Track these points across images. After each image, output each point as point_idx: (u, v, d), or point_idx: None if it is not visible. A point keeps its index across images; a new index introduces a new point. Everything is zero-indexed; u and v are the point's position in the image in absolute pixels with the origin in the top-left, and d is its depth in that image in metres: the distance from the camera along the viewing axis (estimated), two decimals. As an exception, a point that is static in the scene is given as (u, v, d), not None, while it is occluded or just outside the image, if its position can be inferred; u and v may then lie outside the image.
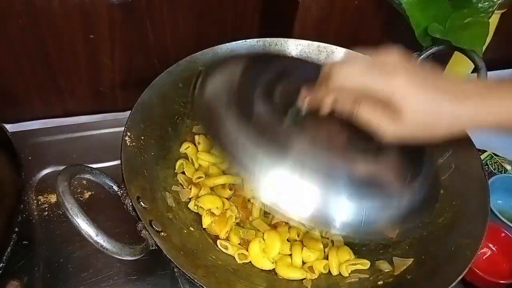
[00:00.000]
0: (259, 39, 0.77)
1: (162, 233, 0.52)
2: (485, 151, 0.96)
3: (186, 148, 0.70)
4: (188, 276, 0.48)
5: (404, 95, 0.44)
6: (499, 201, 0.84)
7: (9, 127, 0.83)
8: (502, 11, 0.94)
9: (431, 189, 0.56)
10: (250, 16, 0.98)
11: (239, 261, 0.60)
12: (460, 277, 0.51)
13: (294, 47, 0.79)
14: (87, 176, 0.51)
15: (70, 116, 0.95)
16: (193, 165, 0.69)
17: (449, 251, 0.57)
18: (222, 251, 0.60)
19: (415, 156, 0.56)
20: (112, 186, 0.53)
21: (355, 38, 0.95)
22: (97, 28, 0.84)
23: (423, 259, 0.59)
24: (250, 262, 0.60)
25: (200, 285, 0.48)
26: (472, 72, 1.10)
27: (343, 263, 0.61)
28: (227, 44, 0.75)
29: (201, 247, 0.59)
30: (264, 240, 0.62)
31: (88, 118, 0.95)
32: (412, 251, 0.62)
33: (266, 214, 0.67)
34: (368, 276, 0.60)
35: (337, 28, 0.92)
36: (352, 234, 0.48)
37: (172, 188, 0.65)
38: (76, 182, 0.76)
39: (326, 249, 0.63)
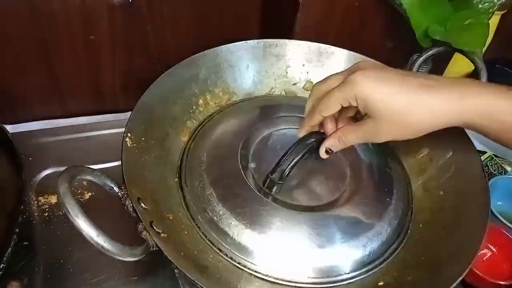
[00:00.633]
0: (259, 40, 0.77)
1: (163, 234, 0.52)
2: (485, 152, 0.96)
3: None
4: (189, 277, 0.48)
5: (369, 93, 0.49)
6: (499, 203, 0.84)
7: (10, 128, 0.83)
8: (503, 12, 0.94)
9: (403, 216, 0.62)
10: (251, 16, 0.98)
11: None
12: (460, 278, 0.51)
13: (295, 48, 0.80)
14: (88, 177, 0.51)
15: (70, 117, 0.95)
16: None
17: (449, 252, 0.57)
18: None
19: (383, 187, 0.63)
20: (113, 187, 0.53)
21: (356, 39, 0.95)
22: (98, 29, 0.84)
23: (423, 260, 0.59)
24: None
25: (200, 286, 0.48)
26: (473, 73, 1.10)
27: (344, 264, 0.61)
28: (228, 45, 0.75)
29: (201, 248, 0.59)
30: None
31: (88, 119, 0.95)
32: (412, 252, 0.62)
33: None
34: (368, 277, 0.60)
35: (338, 29, 0.92)
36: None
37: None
38: (76, 183, 0.76)
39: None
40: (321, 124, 0.59)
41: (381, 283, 0.58)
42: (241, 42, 0.76)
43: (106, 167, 0.80)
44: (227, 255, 0.57)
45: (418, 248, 0.62)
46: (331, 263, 0.56)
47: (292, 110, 0.71)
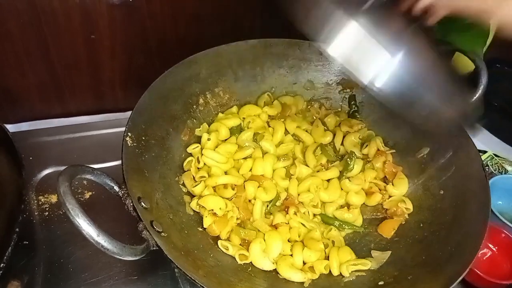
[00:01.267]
0: (260, 39, 0.77)
1: (163, 234, 0.52)
2: (486, 151, 0.96)
3: (194, 148, 0.70)
4: (189, 277, 0.48)
5: None
6: (500, 202, 0.84)
7: (10, 127, 0.83)
8: (503, 11, 0.94)
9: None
10: (251, 16, 0.98)
11: (239, 262, 0.60)
12: (460, 278, 0.51)
13: (295, 47, 0.80)
14: (88, 176, 0.51)
15: (70, 116, 0.95)
16: (198, 163, 0.69)
17: (449, 251, 0.57)
18: (223, 252, 0.60)
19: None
20: (113, 187, 0.54)
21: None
22: (98, 28, 0.84)
23: (423, 259, 0.59)
24: (251, 262, 0.60)
25: (200, 285, 0.48)
26: (473, 72, 1.09)
27: (344, 263, 0.61)
28: (228, 44, 0.75)
29: (202, 247, 0.59)
30: (265, 240, 0.62)
31: (88, 118, 0.95)
32: (412, 252, 0.62)
33: (267, 215, 0.67)
34: (368, 276, 0.60)
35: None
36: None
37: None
38: (77, 183, 0.76)
39: (326, 250, 0.63)
40: None
41: (381, 283, 0.58)
42: (241, 42, 0.76)
43: (106, 167, 0.80)
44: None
45: (418, 248, 0.62)
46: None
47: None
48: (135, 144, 0.59)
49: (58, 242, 0.68)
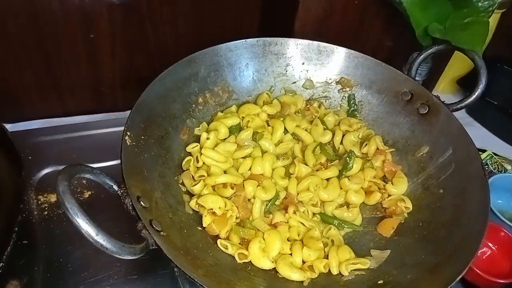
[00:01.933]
0: (259, 38, 0.77)
1: (162, 233, 0.52)
2: (485, 150, 0.96)
3: (193, 147, 0.70)
4: (188, 276, 0.48)
5: None
6: (499, 201, 0.84)
7: (9, 127, 0.83)
8: (503, 10, 0.94)
9: None
10: (250, 16, 0.98)
11: (239, 261, 0.60)
12: (459, 277, 0.51)
13: (294, 46, 0.80)
14: (87, 175, 0.51)
15: (70, 115, 0.95)
16: (197, 162, 0.69)
17: (449, 251, 0.57)
18: (222, 251, 0.60)
19: None
20: (112, 186, 0.54)
21: (355, 38, 0.95)
22: (97, 28, 0.84)
23: (423, 258, 0.59)
24: (250, 261, 0.60)
25: (200, 284, 0.48)
26: (472, 71, 1.10)
27: (343, 262, 0.61)
28: (228, 43, 0.75)
29: (201, 246, 0.59)
30: (264, 239, 0.62)
31: (88, 118, 0.95)
32: (412, 251, 0.62)
33: (266, 214, 0.67)
34: (368, 275, 0.60)
35: (337, 27, 0.92)
36: None
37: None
38: (76, 182, 0.76)
39: (326, 249, 0.63)
40: None
41: (380, 282, 0.58)
42: (240, 41, 0.76)
43: (105, 166, 0.80)
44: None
45: (418, 247, 0.62)
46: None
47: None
48: (134, 143, 0.59)
49: (58, 241, 0.68)
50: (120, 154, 0.55)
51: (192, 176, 0.67)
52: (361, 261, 0.61)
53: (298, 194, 0.69)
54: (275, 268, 0.60)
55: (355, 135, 0.77)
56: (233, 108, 0.78)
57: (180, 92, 0.71)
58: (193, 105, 0.73)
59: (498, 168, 0.91)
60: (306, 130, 0.77)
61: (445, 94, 1.14)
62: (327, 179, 0.71)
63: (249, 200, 0.67)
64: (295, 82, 0.82)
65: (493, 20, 0.94)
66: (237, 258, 0.60)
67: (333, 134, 0.78)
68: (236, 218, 0.64)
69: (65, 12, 0.79)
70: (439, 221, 0.63)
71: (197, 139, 0.72)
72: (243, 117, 0.76)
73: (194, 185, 0.65)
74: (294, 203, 0.67)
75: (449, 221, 0.62)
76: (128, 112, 0.61)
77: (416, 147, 0.74)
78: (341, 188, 0.70)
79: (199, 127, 0.74)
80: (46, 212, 0.72)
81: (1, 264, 0.56)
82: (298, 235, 0.64)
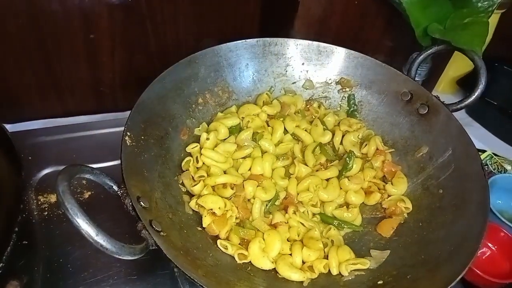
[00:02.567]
0: (259, 38, 0.77)
1: (162, 233, 0.52)
2: (485, 151, 0.96)
3: (193, 148, 0.70)
4: (188, 276, 0.48)
5: None
6: (499, 201, 0.84)
7: (9, 127, 0.83)
8: (502, 10, 0.94)
9: None
10: (250, 16, 0.98)
11: (238, 261, 0.60)
12: (459, 277, 0.51)
13: (294, 47, 0.80)
14: (87, 176, 0.51)
15: (70, 116, 0.95)
16: (197, 162, 0.69)
17: (449, 251, 0.57)
18: (222, 251, 0.60)
19: None
20: (112, 186, 0.54)
21: (355, 38, 0.95)
22: (97, 28, 0.84)
23: (423, 258, 0.59)
24: (250, 262, 0.60)
25: (200, 285, 0.48)
26: (472, 71, 1.10)
27: (343, 262, 0.61)
28: (228, 44, 0.75)
29: (201, 246, 0.59)
30: (264, 240, 0.62)
31: (88, 118, 0.95)
32: (411, 251, 0.62)
33: (266, 214, 0.67)
34: (367, 275, 0.60)
35: (337, 28, 0.92)
36: None
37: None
38: (76, 182, 0.76)
39: (326, 249, 0.63)
40: None
41: (380, 282, 0.58)
42: (240, 41, 0.76)
43: (105, 166, 0.80)
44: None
45: (418, 247, 0.62)
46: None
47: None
48: (134, 143, 0.59)
49: (58, 241, 0.68)
50: (120, 155, 0.55)
51: (192, 176, 0.67)
52: (361, 261, 0.61)
53: (298, 194, 0.69)
54: (275, 268, 0.60)
55: (354, 135, 0.77)
56: (233, 108, 0.78)
57: (180, 93, 0.71)
58: (193, 106, 0.73)
59: (498, 168, 0.91)
60: (306, 130, 0.77)
61: (445, 94, 1.14)
62: (327, 180, 0.71)
63: (248, 200, 0.67)
64: (295, 83, 0.82)
65: (493, 20, 0.94)
66: (237, 259, 0.60)
67: (333, 135, 0.78)
68: (236, 218, 0.64)
69: (65, 12, 0.80)
70: (439, 221, 0.63)
71: (197, 139, 0.72)
72: (243, 118, 0.76)
73: (194, 185, 0.65)
74: (294, 203, 0.67)
75: (449, 222, 0.62)
76: (128, 112, 0.61)
77: (415, 147, 0.74)
78: (341, 188, 0.70)
79: (199, 127, 0.74)
80: (46, 212, 0.73)
81: (1, 264, 0.56)
82: (298, 235, 0.64)
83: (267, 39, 0.78)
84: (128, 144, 0.58)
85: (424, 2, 0.81)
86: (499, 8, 0.91)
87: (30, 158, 0.80)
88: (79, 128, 0.88)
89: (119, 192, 0.53)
